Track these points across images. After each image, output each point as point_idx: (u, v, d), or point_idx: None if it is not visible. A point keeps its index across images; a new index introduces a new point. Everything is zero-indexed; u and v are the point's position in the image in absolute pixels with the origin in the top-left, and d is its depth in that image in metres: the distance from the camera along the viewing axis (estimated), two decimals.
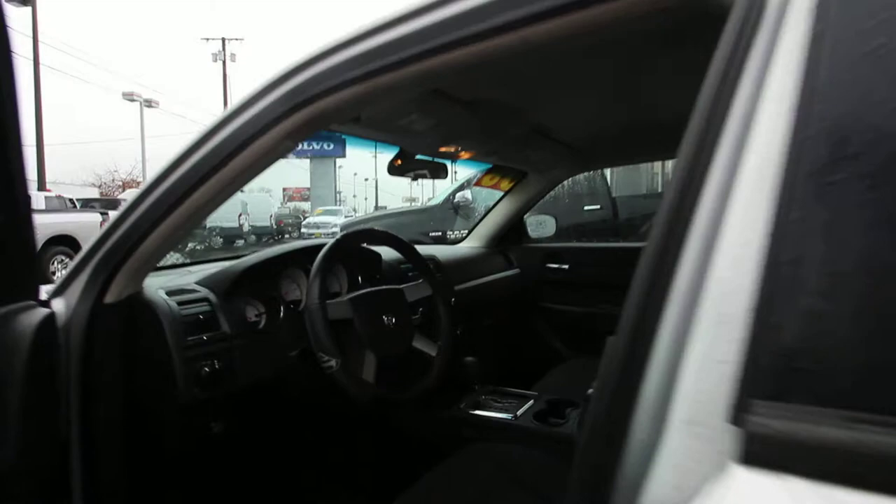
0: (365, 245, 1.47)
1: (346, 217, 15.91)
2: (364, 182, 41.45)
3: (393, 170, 1.36)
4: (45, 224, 6.94)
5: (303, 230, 16.51)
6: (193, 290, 1.09)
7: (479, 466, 1.09)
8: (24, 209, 0.70)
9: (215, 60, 22.22)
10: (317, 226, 15.92)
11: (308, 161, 28.09)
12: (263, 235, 14.50)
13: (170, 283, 1.11)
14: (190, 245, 7.47)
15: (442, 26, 0.54)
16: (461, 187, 5.90)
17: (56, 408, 0.85)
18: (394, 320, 1.24)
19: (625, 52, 0.87)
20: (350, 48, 0.64)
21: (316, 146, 24.25)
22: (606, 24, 0.48)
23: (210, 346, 1.03)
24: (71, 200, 9.79)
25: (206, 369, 1.00)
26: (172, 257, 1.42)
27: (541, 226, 2.21)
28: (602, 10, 0.47)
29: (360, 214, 17.46)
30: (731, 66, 0.36)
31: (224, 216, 11.94)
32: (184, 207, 0.83)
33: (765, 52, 0.34)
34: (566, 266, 2.08)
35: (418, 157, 1.38)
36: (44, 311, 0.79)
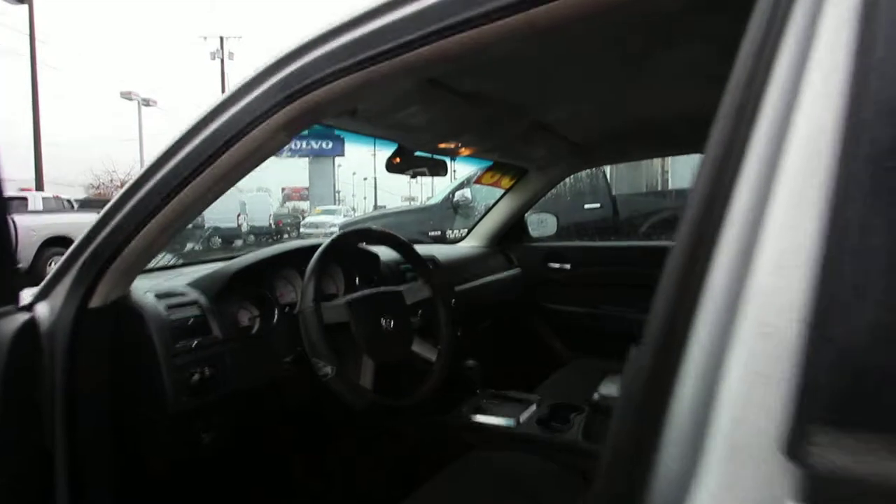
0: (363, 245, 1.43)
1: (345, 216, 15.89)
2: (363, 181, 41.44)
3: (391, 167, 1.33)
4: (42, 225, 6.90)
5: (301, 230, 16.48)
6: (183, 293, 1.05)
7: (480, 475, 1.06)
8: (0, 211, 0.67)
9: (213, 58, 22.18)
10: (315, 225, 15.88)
11: (307, 160, 28.07)
12: (262, 235, 14.47)
13: (160, 285, 1.07)
14: (188, 245, 7.42)
15: (444, 6, 0.50)
16: (461, 185, 5.86)
17: (38, 417, 0.81)
18: (392, 324, 1.20)
19: (636, 38, 0.82)
20: (345, 34, 0.60)
21: (315, 145, 24.24)
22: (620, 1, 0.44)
23: (200, 353, 0.99)
24: (68, 201, 9.75)
25: (196, 377, 0.96)
26: (165, 258, 1.37)
27: (542, 224, 2.18)
28: None
29: (360, 214, 17.44)
30: (764, 44, 0.32)
31: (222, 216, 11.91)
32: (172, 205, 0.79)
33: (805, 25, 0.30)
34: (568, 265, 2.05)
35: (417, 153, 1.35)
36: (23, 316, 0.75)
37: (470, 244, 2.08)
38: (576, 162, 1.90)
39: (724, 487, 0.27)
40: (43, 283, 0.88)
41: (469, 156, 1.53)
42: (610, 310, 1.94)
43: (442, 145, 1.36)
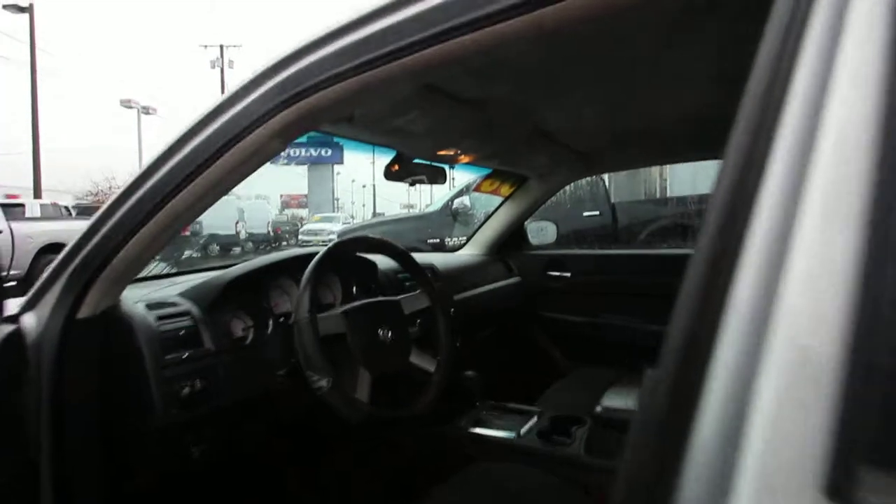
0: (360, 253, 1.41)
1: (343, 224, 15.88)
2: (362, 188, 41.48)
3: (390, 175, 1.31)
4: (40, 232, 6.86)
5: (300, 237, 16.46)
6: (175, 304, 1.02)
7: (480, 488, 1.03)
8: None
9: (213, 67, 22.29)
10: (314, 233, 15.87)
11: (305, 168, 28.08)
12: (260, 243, 14.45)
13: (151, 295, 1.04)
14: (186, 252, 7.38)
15: (447, 7, 0.48)
16: (460, 193, 5.85)
17: (22, 430, 0.79)
18: (390, 334, 1.17)
19: (646, 40, 0.80)
20: (342, 38, 0.58)
21: (314, 153, 24.25)
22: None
23: (191, 365, 0.96)
24: (66, 208, 9.71)
25: (187, 389, 0.93)
26: (159, 266, 1.35)
27: (542, 232, 2.16)
28: None
29: (358, 221, 17.44)
30: (787, 38, 0.30)
31: (221, 223, 11.90)
32: (164, 213, 0.77)
33: (831, 22, 0.28)
34: (568, 274, 2.03)
35: (416, 161, 1.33)
36: (7, 327, 0.73)
37: (469, 252, 2.06)
38: (577, 169, 1.88)
39: None
40: (30, 293, 0.86)
41: (468, 163, 1.51)
42: (611, 319, 1.91)
43: (441, 152, 1.35)
